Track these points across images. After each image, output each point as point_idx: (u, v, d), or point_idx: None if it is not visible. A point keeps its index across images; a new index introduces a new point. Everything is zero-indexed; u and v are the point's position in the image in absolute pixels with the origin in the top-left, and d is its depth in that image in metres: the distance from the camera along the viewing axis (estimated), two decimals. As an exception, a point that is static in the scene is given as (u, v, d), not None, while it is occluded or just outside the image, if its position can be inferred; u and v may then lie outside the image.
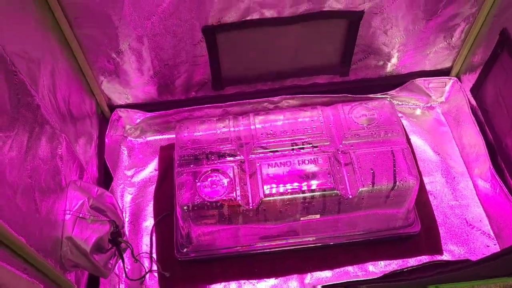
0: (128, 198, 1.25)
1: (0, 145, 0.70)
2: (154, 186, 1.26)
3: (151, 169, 1.30)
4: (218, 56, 1.18)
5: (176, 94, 1.29)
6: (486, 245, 1.13)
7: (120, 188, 1.25)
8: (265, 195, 0.99)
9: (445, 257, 1.12)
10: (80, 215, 0.89)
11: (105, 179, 1.23)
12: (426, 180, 1.24)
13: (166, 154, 1.31)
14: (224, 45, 1.15)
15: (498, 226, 1.14)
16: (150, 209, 1.23)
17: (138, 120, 1.32)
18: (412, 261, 1.12)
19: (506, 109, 1.10)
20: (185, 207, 0.99)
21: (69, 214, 0.88)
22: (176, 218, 1.14)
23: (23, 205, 0.75)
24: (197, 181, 1.01)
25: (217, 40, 1.14)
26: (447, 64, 1.30)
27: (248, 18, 1.09)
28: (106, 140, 1.24)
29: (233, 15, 1.08)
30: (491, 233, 1.15)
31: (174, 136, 1.33)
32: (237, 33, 1.13)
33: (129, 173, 1.29)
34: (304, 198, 0.99)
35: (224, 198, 0.99)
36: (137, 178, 1.28)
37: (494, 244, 1.13)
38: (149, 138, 1.36)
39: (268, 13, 1.09)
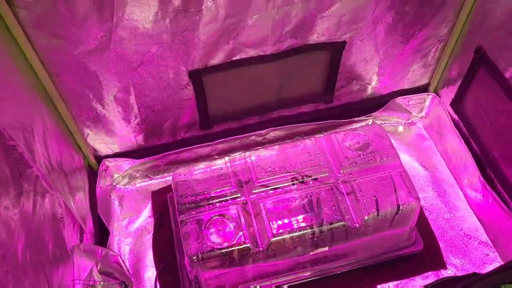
0: (126, 249, 1.21)
1: (9, 225, 0.67)
2: (151, 234, 1.23)
3: (145, 216, 1.27)
4: (205, 97, 1.17)
5: (163, 138, 1.27)
6: (486, 253, 1.17)
7: (116, 240, 1.22)
8: (274, 235, 0.98)
9: (450, 270, 1.15)
10: (90, 283, 0.85)
11: (101, 232, 1.19)
12: (419, 196, 1.26)
13: (159, 199, 1.29)
14: (211, 86, 1.15)
15: (494, 234, 1.18)
16: (150, 258, 1.20)
17: (126, 168, 1.29)
18: (419, 279, 1.14)
19: (489, 122, 1.15)
20: (194, 257, 0.97)
21: (79, 283, 0.84)
22: (181, 266, 1.12)
23: (35, 285, 0.71)
24: (203, 228, 0.99)
25: (204, 82, 1.13)
26: (424, 81, 1.35)
27: (234, 58, 1.09)
28: (97, 192, 1.21)
29: (219, 57, 1.08)
30: (489, 242, 1.18)
31: (164, 180, 1.33)
32: (223, 74, 1.13)
33: (123, 223, 1.25)
34: (313, 232, 0.99)
35: (233, 242, 0.98)
36: (132, 227, 1.25)
37: (493, 252, 1.17)
38: (138, 185, 1.33)
39: (253, 52, 1.10)
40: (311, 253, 1.04)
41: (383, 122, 1.40)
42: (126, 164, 1.28)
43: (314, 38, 1.10)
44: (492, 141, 1.16)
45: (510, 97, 1.06)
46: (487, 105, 1.16)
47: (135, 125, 1.19)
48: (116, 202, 1.29)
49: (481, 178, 1.18)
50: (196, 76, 1.11)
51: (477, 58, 1.15)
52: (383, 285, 1.13)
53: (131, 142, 1.25)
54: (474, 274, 1.05)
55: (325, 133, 1.32)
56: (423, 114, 1.41)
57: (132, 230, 1.25)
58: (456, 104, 1.27)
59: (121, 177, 1.31)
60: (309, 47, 1.12)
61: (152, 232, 1.24)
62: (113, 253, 0.97)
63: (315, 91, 1.27)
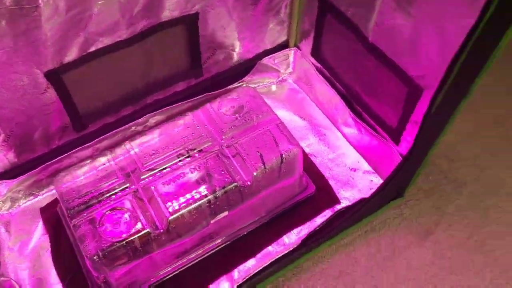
0: (24, 274, 1.13)
1: None
2: (49, 251, 1.17)
3: (38, 235, 1.20)
4: (70, 97, 1.12)
5: (37, 149, 1.20)
6: (370, 180, 1.28)
7: (11, 269, 1.13)
8: (171, 213, 0.98)
9: (343, 203, 1.24)
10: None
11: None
12: (303, 144, 1.34)
13: (49, 214, 1.22)
14: (73, 84, 1.10)
15: (374, 161, 1.29)
16: (53, 275, 1.13)
17: (4, 191, 1.20)
18: (318, 219, 1.22)
19: (346, 62, 1.25)
20: (95, 257, 0.94)
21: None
22: (88, 274, 1.08)
23: None
24: (97, 226, 0.96)
25: (64, 81, 1.08)
26: (284, 38, 1.41)
27: (90, 50, 1.06)
28: (-23, 224, 1.12)
29: (74, 52, 1.04)
30: (371, 169, 1.30)
31: (51, 194, 1.26)
32: (82, 68, 1.08)
33: (15, 248, 1.17)
34: (209, 201, 1.01)
35: (132, 232, 0.96)
36: (26, 250, 1.17)
37: (376, 177, 1.28)
38: (24, 205, 1.24)
39: (108, 40, 1.07)
40: (212, 222, 1.06)
41: (256, 85, 1.45)
42: (2, 187, 1.18)
43: (167, 14, 1.10)
44: (352, 79, 1.26)
45: (356, 36, 1.16)
46: (341, 46, 1.25)
47: (1, 142, 1.11)
48: (3, 230, 1.20)
49: (351, 114, 1.28)
50: (54, 77, 1.06)
51: (322, 6, 1.23)
52: (287, 234, 1.19)
53: (1, 162, 1.16)
54: (361, 199, 1.15)
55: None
56: (290, 69, 1.48)
57: (27, 253, 1.17)
58: (316, 53, 1.36)
59: (1, 202, 1.21)
60: (164, 24, 1.12)
61: (50, 249, 1.17)
62: (5, 278, 0.90)
63: (182, 68, 1.28)
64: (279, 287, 1.14)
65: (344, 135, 1.36)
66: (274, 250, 1.17)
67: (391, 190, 1.19)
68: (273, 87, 1.48)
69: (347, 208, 1.14)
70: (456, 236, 1.22)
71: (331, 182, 1.28)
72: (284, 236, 1.19)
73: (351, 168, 1.31)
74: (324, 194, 1.25)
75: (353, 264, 1.17)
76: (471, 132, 1.44)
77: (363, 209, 1.11)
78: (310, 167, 1.29)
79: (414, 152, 0.99)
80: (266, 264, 1.07)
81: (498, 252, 1.20)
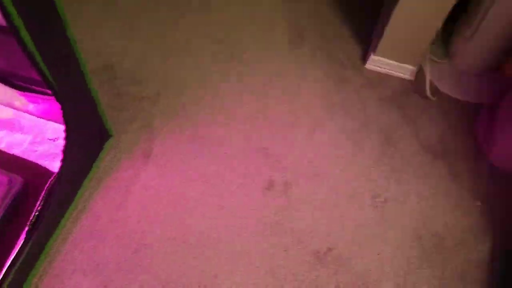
0: None
1: None
2: None
3: None
4: None
5: None
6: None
7: None
8: None
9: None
10: None
11: None
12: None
13: None
14: None
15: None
16: None
17: None
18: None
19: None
20: None
21: None
22: None
23: None
24: None
25: None
26: None
27: None
28: None
29: None
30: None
31: None
32: None
33: None
34: None
35: None
36: None
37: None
38: None
39: None
40: None
41: None
42: None
43: None
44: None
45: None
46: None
47: None
48: None
49: (21, 92, 1.22)
50: None
51: None
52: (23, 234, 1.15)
53: None
54: (61, 161, 1.14)
55: None
56: None
57: None
58: None
59: None
60: None
61: None
62: None
63: None
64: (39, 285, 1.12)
65: (30, 113, 1.31)
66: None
67: (86, 135, 1.20)
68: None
69: (55, 179, 1.13)
70: (172, 138, 1.32)
71: (42, 162, 1.24)
72: (20, 239, 1.14)
73: (52, 139, 1.28)
74: (39, 176, 1.21)
75: (97, 219, 1.19)
76: (140, 57, 1.52)
77: (66, 168, 1.11)
78: (12, 161, 1.23)
79: (61, 91, 0.99)
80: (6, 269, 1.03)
81: (207, 136, 1.34)
